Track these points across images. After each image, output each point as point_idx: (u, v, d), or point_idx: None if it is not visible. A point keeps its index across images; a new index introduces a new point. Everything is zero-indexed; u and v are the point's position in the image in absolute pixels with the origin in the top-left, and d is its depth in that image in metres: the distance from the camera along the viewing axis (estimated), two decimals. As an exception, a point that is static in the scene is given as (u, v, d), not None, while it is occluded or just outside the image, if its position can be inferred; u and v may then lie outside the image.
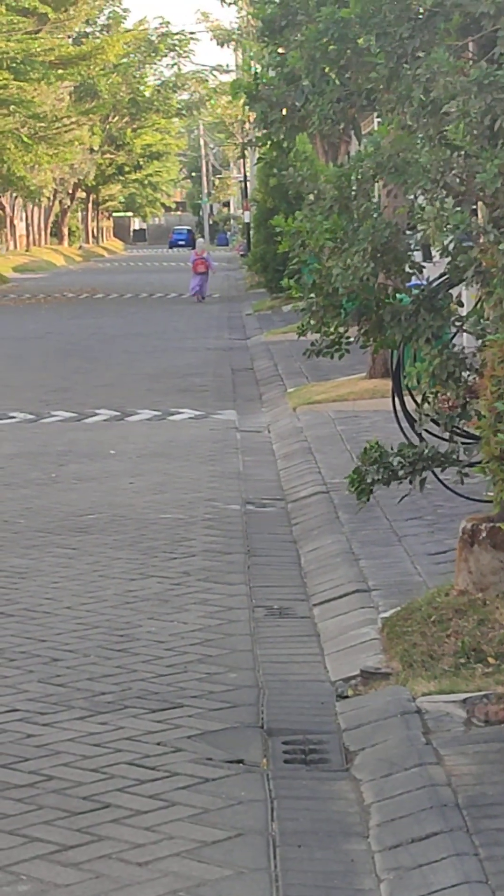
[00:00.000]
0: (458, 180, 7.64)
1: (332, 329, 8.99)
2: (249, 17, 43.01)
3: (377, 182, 8.71)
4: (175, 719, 7.11)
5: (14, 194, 78.97)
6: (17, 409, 19.90)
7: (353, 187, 8.45)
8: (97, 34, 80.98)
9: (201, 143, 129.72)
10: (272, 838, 5.68)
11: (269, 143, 10.30)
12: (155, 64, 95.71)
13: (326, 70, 7.93)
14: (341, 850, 5.57)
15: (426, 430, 10.19)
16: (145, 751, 6.67)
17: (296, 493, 13.09)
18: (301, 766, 6.48)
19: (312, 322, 8.99)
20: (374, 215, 8.55)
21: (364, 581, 9.40)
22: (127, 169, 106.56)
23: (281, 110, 8.70)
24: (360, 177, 8.37)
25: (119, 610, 9.29)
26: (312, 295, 8.83)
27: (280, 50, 9.21)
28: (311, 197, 8.74)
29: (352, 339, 9.24)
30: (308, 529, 11.49)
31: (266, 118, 8.65)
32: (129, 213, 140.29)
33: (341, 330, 9.07)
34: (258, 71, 9.33)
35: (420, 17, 7.62)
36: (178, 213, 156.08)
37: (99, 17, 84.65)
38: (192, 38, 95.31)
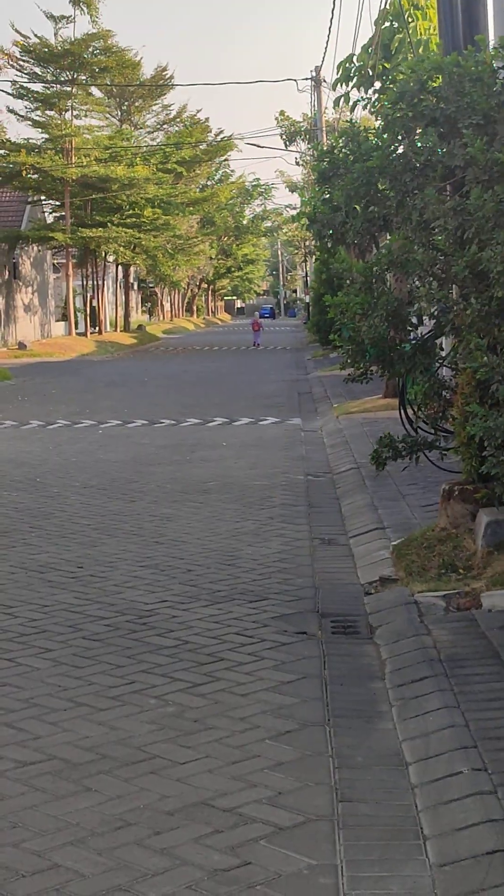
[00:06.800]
0: (440, 271, 7.60)
1: (361, 366, 8.97)
2: (310, 170, 42.80)
3: (389, 273, 8.66)
4: (264, 607, 7.14)
5: (163, 285, 79.43)
6: (165, 417, 20.02)
7: (374, 276, 8.45)
8: (214, 185, 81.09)
9: (279, 253, 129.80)
10: (324, 680, 5.68)
11: (321, 250, 10.34)
12: (249, 203, 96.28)
13: (357, 203, 7.90)
14: (368, 688, 5.56)
15: (420, 428, 10.18)
16: (245, 626, 6.71)
17: (338, 468, 13.09)
18: (342, 635, 6.49)
19: (349, 361, 8.97)
20: (387, 293, 8.54)
21: (381, 523, 9.40)
22: (233, 269, 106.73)
23: (329, 229, 8.66)
24: (378, 269, 8.37)
25: (229, 540, 9.34)
26: (349, 344, 8.83)
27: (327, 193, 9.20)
28: (348, 282, 8.73)
29: (374, 372, 9.23)
30: (346, 491, 11.50)
31: (320, 234, 8.62)
32: (234, 297, 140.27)
33: (367, 366, 9.06)
34: (315, 205, 9.32)
35: (417, 168, 7.57)
36: (265, 296, 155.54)
37: (215, 175, 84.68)
38: (272, 187, 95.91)
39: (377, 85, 18.99)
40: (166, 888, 3.65)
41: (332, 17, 73.64)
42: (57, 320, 60.78)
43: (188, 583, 7.84)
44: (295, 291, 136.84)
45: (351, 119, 11.95)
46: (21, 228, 52.88)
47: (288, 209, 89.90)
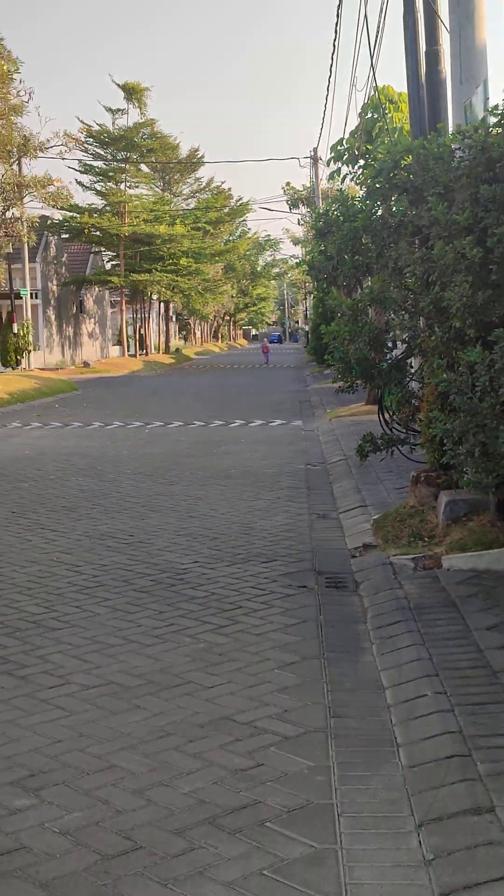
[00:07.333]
0: (411, 306, 7.57)
1: (348, 380, 8.94)
2: (309, 228, 42.61)
3: (371, 307, 8.62)
4: (274, 566, 7.13)
5: (195, 317, 79.30)
6: (196, 420, 19.97)
7: (359, 310, 8.41)
8: (234, 240, 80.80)
9: (285, 292, 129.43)
10: (320, 623, 5.67)
11: (318, 290, 10.27)
12: (262, 254, 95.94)
13: (346, 254, 7.86)
14: (353, 629, 5.56)
15: (394, 428, 10.14)
16: (259, 581, 6.70)
17: (330, 459, 13.04)
18: (334, 588, 6.48)
19: (339, 377, 8.94)
20: (369, 324, 8.51)
21: (364, 501, 9.36)
22: (249, 305, 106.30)
23: (324, 274, 8.63)
24: (362, 304, 8.33)
25: (246, 514, 9.32)
26: (339, 363, 8.79)
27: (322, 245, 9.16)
28: (339, 315, 8.70)
29: (359, 385, 9.20)
30: (336, 477, 11.44)
31: (317, 277, 8.59)
32: (250, 326, 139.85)
33: (353, 380, 9.02)
34: (313, 255, 9.29)
35: (392, 227, 7.55)
36: (274, 325, 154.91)
37: (236, 232, 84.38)
38: (279, 241, 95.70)
39: (361, 162, 19.02)
40: (198, 784, 3.67)
41: (324, 110, 73.46)
42: (113, 345, 60.95)
43: (214, 548, 7.84)
44: (297, 322, 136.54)
45: (341, 189, 11.91)
46: (86, 273, 53.18)
47: (292, 258, 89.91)
